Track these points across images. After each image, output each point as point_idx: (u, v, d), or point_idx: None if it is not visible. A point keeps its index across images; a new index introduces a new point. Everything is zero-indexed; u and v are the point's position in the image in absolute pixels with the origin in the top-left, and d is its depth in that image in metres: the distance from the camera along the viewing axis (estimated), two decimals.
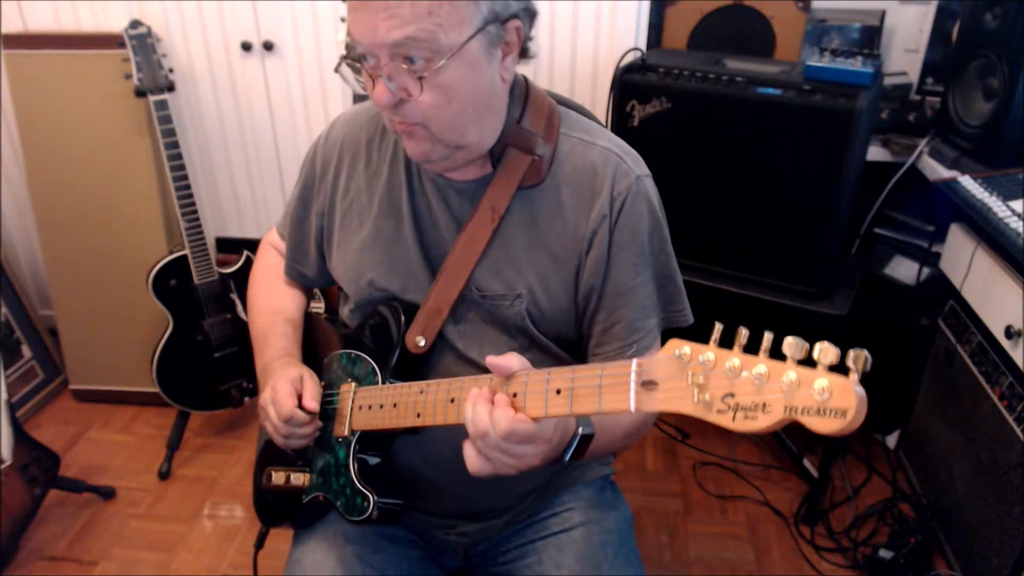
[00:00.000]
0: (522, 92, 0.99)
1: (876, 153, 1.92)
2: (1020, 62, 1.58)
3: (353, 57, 0.88)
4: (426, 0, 0.81)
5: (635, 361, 0.71)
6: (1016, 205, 1.53)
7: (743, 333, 0.64)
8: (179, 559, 1.86)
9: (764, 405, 0.61)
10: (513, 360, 0.82)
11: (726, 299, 1.83)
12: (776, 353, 0.62)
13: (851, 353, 0.58)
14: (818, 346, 0.59)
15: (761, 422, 0.61)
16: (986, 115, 1.70)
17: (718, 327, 0.66)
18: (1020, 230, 1.46)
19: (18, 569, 1.83)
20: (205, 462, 2.16)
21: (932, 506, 1.88)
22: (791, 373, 0.59)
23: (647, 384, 0.69)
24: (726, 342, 0.65)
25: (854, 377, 0.57)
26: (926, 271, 1.95)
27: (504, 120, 0.96)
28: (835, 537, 1.90)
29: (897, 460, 2.10)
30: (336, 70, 0.94)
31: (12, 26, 2.09)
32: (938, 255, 1.88)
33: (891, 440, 2.16)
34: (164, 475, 2.10)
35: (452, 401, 0.88)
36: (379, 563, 1.06)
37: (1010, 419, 1.56)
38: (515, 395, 0.81)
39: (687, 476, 2.10)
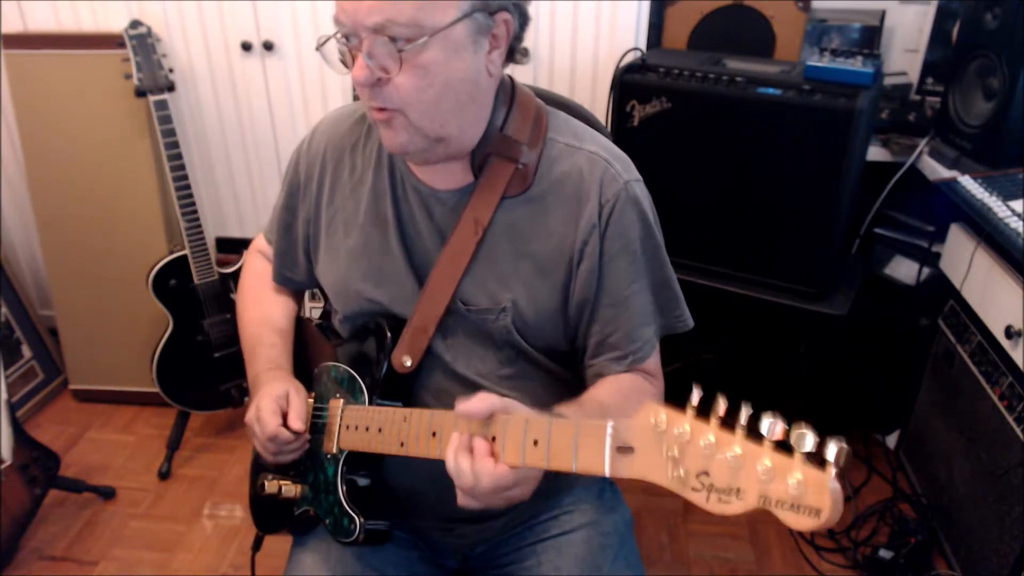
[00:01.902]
0: (507, 96, 0.96)
1: (876, 153, 1.92)
2: (1020, 62, 1.58)
3: (338, 35, 0.86)
4: None
5: (610, 424, 0.70)
6: (1016, 205, 1.53)
7: (721, 404, 0.61)
8: (179, 559, 1.86)
9: (738, 491, 0.59)
10: (483, 404, 0.80)
11: (726, 299, 1.83)
12: (755, 425, 0.59)
13: (830, 445, 0.55)
14: (795, 432, 0.56)
15: (735, 507, 0.60)
16: (986, 115, 1.69)
17: (695, 393, 0.64)
18: (1020, 230, 1.46)
19: (18, 569, 1.83)
20: (205, 462, 2.16)
21: (932, 506, 1.88)
22: (766, 460, 0.57)
23: (623, 449, 0.68)
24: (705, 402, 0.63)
25: (831, 472, 0.55)
26: (926, 271, 1.95)
27: (488, 118, 0.94)
28: (835, 537, 1.90)
29: (897, 460, 2.10)
30: (317, 49, 0.91)
31: (12, 26, 2.09)
32: (938, 255, 1.88)
33: (891, 440, 2.16)
34: (164, 475, 2.10)
35: (434, 435, 0.87)
36: (378, 563, 1.05)
37: (1010, 419, 1.56)
38: (494, 439, 0.80)
39: None
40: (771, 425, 0.57)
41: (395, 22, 0.81)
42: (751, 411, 0.59)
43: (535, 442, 0.76)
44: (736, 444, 0.60)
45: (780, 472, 0.57)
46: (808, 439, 0.56)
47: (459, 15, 0.83)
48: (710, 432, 0.61)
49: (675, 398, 0.73)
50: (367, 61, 0.83)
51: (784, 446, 0.58)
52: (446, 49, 0.84)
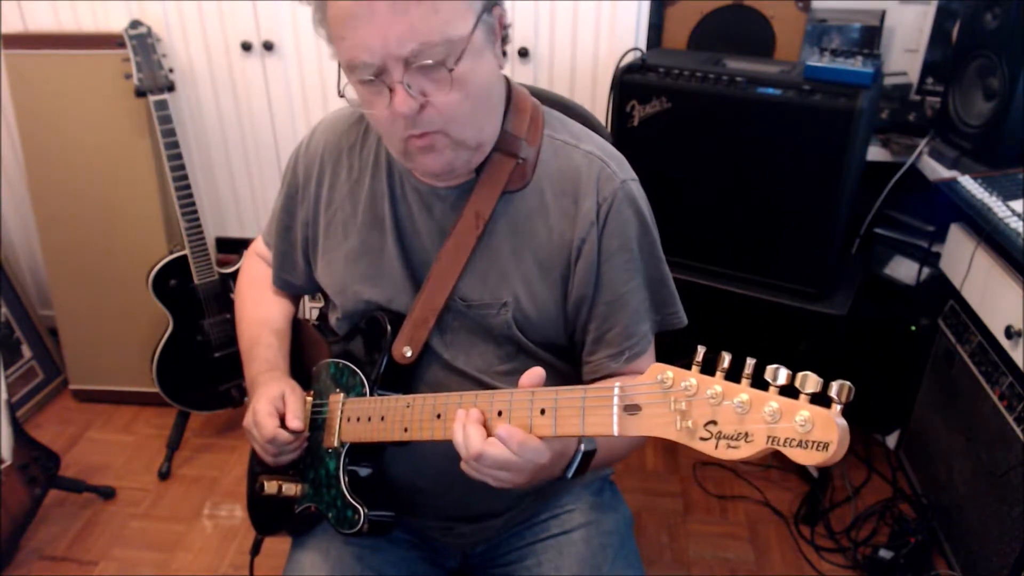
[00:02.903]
0: (504, 94, 0.97)
1: (876, 153, 1.92)
2: (1020, 62, 1.58)
3: (362, 78, 0.83)
4: None
5: (617, 385, 0.70)
6: (1016, 205, 1.53)
7: (726, 358, 0.63)
8: (179, 559, 1.86)
9: (747, 434, 0.61)
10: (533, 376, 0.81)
11: (726, 299, 1.83)
12: (759, 379, 0.61)
13: (834, 384, 0.57)
14: (800, 375, 0.58)
15: (744, 451, 0.61)
16: (986, 115, 1.70)
17: (700, 351, 0.65)
18: (1020, 230, 1.46)
19: (18, 569, 1.83)
20: (205, 462, 2.16)
21: (932, 506, 1.88)
22: (773, 403, 0.59)
23: (630, 408, 0.69)
24: (710, 365, 0.65)
25: (836, 409, 0.56)
26: (926, 271, 1.95)
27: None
28: (835, 537, 1.90)
29: (897, 460, 2.10)
30: (341, 94, 0.87)
31: (12, 26, 2.09)
32: (938, 255, 1.88)
33: (891, 440, 2.16)
34: (164, 475, 2.10)
35: (439, 417, 0.87)
36: (378, 564, 1.05)
37: (1010, 419, 1.56)
38: (500, 413, 0.80)
39: (687, 476, 2.10)
40: (775, 372, 0.60)
41: (429, 43, 0.80)
42: (756, 362, 0.62)
43: (542, 411, 0.77)
44: (742, 391, 0.61)
45: (787, 412, 0.58)
46: (812, 380, 0.58)
47: (475, 20, 0.83)
48: (716, 383, 0.63)
49: None
50: (409, 92, 0.81)
51: (789, 393, 0.59)
52: (474, 56, 0.84)
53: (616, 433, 0.70)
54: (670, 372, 0.66)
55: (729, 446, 0.62)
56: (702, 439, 0.63)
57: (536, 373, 0.80)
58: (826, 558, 1.85)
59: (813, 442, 0.57)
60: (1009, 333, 1.51)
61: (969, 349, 1.74)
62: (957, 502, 1.76)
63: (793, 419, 0.57)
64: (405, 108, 0.82)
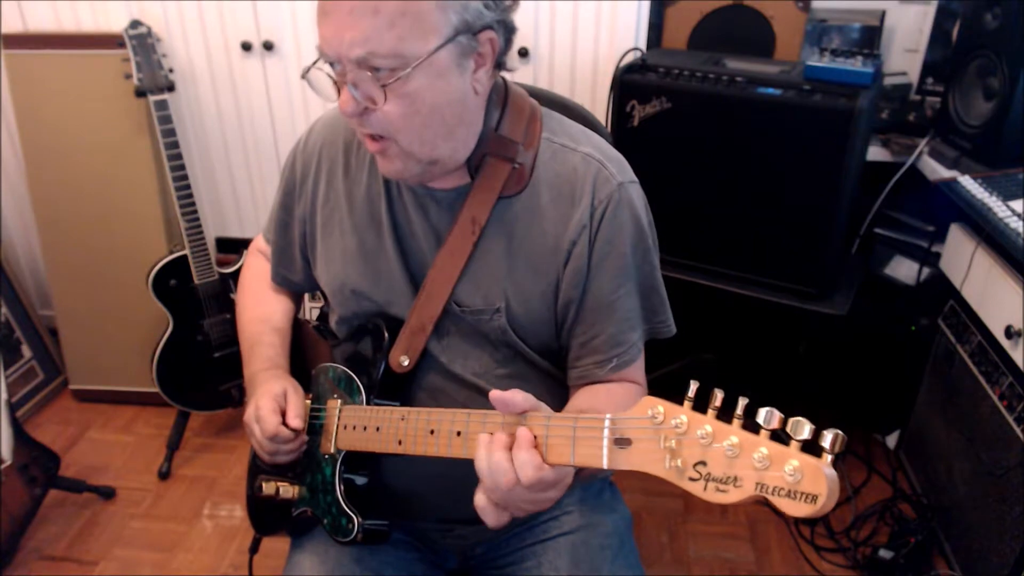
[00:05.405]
0: (500, 97, 0.96)
1: (876, 153, 1.92)
2: (1020, 62, 1.58)
3: (322, 67, 0.87)
4: (389, 12, 0.79)
5: (608, 417, 0.70)
6: (1016, 205, 1.53)
7: (718, 396, 0.62)
8: (179, 559, 1.86)
9: (735, 479, 0.60)
10: (518, 396, 0.78)
11: (726, 299, 1.83)
12: (752, 417, 0.60)
13: (826, 434, 0.55)
14: (792, 421, 0.57)
15: (732, 496, 0.60)
16: (986, 115, 1.69)
17: (693, 386, 0.64)
18: (1020, 230, 1.46)
19: (18, 569, 1.83)
20: (205, 462, 2.16)
21: (932, 506, 1.88)
22: (763, 448, 0.58)
23: (620, 441, 0.68)
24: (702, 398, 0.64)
25: (827, 459, 0.55)
26: (926, 271, 1.95)
27: (479, 132, 0.94)
28: (835, 537, 1.90)
29: (897, 460, 2.10)
30: (303, 77, 0.90)
31: (12, 26, 2.09)
32: (938, 255, 1.88)
33: (891, 440, 2.16)
34: (164, 475, 2.10)
35: (432, 432, 0.87)
36: (377, 565, 1.05)
37: (1010, 419, 1.56)
38: (492, 436, 0.79)
39: None
40: (768, 415, 0.58)
41: (377, 54, 0.80)
42: (748, 402, 0.60)
43: (534, 437, 0.76)
44: (733, 434, 0.60)
45: (776, 460, 0.57)
46: (804, 427, 0.56)
47: (441, 41, 0.82)
48: (707, 423, 0.62)
49: (675, 398, 0.73)
50: (352, 92, 0.83)
51: (781, 437, 0.58)
52: (430, 76, 0.83)
53: (606, 466, 0.69)
54: (661, 407, 0.65)
55: (718, 489, 0.60)
56: (691, 479, 0.62)
57: (501, 399, 0.78)
58: (826, 558, 1.85)
59: (802, 493, 0.55)
60: (1009, 333, 1.51)
61: (969, 349, 1.74)
62: (957, 502, 1.76)
63: (783, 468, 0.56)
64: (345, 107, 0.85)
